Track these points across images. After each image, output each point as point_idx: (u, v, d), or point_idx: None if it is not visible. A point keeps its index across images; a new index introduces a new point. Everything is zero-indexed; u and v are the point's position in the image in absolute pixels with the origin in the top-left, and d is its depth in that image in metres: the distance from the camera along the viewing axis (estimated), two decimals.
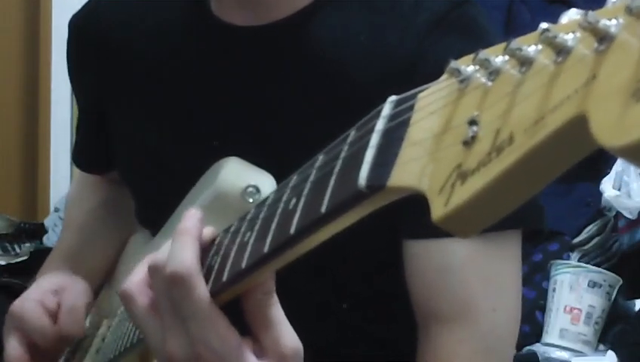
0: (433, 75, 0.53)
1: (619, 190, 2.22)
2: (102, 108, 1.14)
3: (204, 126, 1.02)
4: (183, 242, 0.70)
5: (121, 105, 1.11)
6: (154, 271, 0.71)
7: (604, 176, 2.26)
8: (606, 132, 0.36)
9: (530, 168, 0.42)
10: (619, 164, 2.24)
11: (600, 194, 2.25)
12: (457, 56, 0.50)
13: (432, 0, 0.96)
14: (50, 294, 1.08)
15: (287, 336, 0.70)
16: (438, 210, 0.47)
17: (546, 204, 0.95)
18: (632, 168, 2.21)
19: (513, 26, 2.46)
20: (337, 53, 0.96)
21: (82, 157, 1.26)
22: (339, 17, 0.98)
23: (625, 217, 2.22)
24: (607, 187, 2.23)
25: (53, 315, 1.08)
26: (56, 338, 1.07)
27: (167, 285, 0.69)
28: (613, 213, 2.27)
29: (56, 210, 2.85)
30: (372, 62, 0.95)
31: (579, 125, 0.39)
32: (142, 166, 1.10)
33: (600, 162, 2.27)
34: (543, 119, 0.41)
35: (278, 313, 0.70)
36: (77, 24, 1.16)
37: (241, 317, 0.70)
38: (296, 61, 0.98)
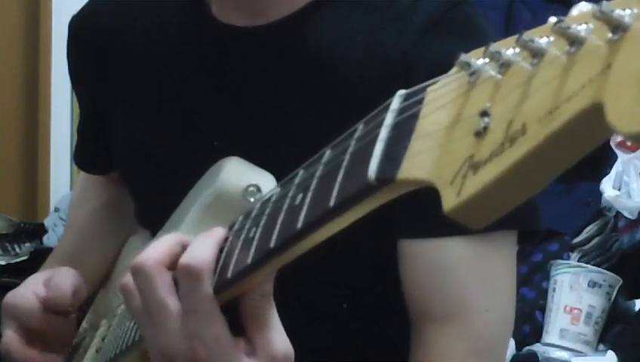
0: (430, 76, 0.53)
1: (619, 190, 2.23)
2: (102, 108, 1.14)
3: (204, 126, 1.02)
4: (208, 241, 0.71)
5: (121, 105, 1.11)
6: (136, 270, 0.73)
7: (604, 176, 2.26)
8: (623, 119, 0.37)
9: (544, 157, 0.43)
10: (619, 164, 2.25)
11: (600, 194, 2.25)
12: (454, 57, 0.50)
13: (429, 0, 0.96)
14: (40, 286, 1.08)
15: (280, 340, 0.71)
16: (449, 201, 0.47)
17: (546, 204, 0.95)
18: (632, 168, 2.21)
19: (513, 27, 2.46)
20: (335, 53, 0.97)
21: (83, 157, 1.25)
22: (337, 17, 0.98)
23: (625, 217, 2.22)
24: (607, 187, 2.23)
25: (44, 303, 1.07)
26: (44, 314, 1.05)
27: (179, 275, 0.70)
28: (613, 213, 2.28)
29: (56, 210, 2.84)
30: (369, 63, 0.95)
31: (594, 114, 0.39)
32: (141, 166, 1.10)
33: (601, 162, 2.27)
34: (558, 109, 0.41)
35: (273, 317, 0.71)
36: (77, 24, 1.16)
37: (236, 317, 0.71)
38: (294, 61, 0.98)
